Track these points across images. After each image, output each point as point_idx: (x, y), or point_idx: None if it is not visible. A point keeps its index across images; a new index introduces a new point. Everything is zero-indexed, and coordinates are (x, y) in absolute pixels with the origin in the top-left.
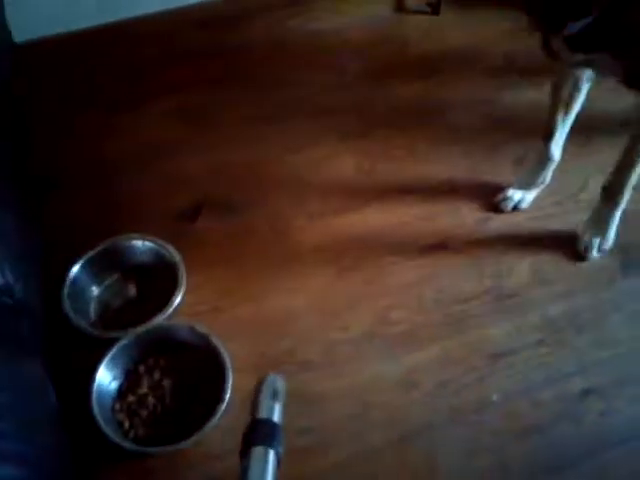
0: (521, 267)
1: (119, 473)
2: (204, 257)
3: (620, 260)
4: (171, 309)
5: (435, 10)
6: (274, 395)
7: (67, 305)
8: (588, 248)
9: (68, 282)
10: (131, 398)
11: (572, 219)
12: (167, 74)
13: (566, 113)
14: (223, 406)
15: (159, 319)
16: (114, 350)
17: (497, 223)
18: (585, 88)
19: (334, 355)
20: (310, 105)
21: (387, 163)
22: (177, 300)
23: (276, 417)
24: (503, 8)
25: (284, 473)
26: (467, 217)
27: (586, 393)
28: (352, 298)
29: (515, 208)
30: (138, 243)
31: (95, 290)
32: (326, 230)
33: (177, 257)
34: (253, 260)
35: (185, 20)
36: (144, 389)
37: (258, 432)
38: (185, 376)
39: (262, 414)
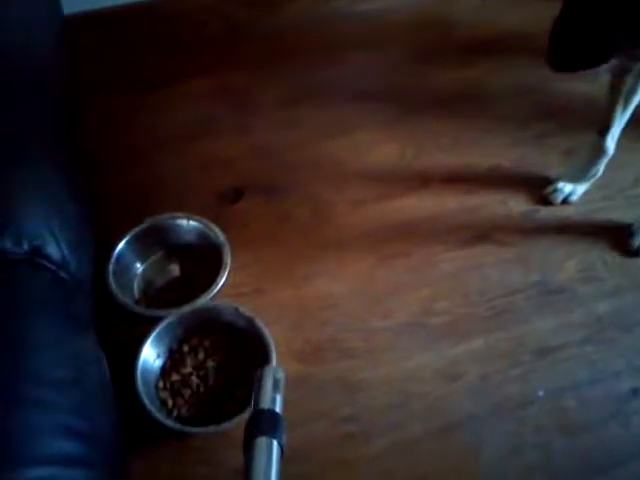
0: (569, 262)
1: (160, 450)
2: (245, 239)
3: None
4: (216, 289)
5: None
6: (275, 386)
7: (112, 282)
8: None
9: (113, 259)
10: (175, 377)
11: (623, 214)
12: (207, 53)
13: (625, 106)
14: None
15: (204, 299)
16: (159, 328)
17: (545, 215)
18: None
19: (376, 343)
20: (353, 88)
21: (432, 150)
22: (222, 280)
23: (278, 408)
24: None
25: (325, 459)
26: (514, 208)
27: (635, 393)
28: (394, 286)
29: (564, 201)
30: (183, 222)
31: (139, 267)
32: (368, 216)
33: (222, 237)
34: (295, 244)
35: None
36: (188, 369)
37: (261, 423)
38: (229, 358)
39: (265, 405)
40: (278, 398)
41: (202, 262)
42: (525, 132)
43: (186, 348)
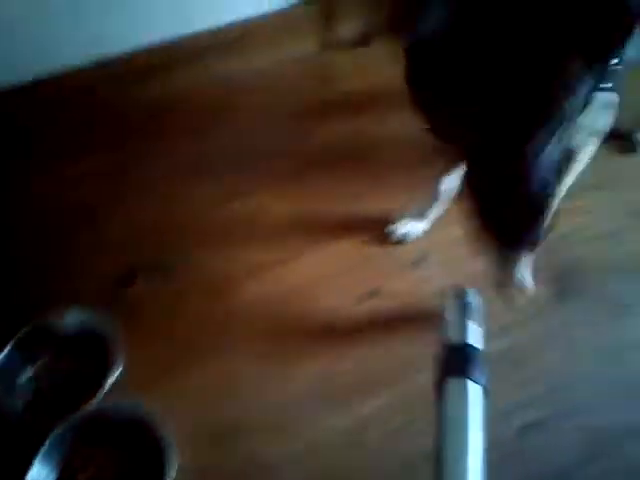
0: None
1: None
2: (142, 325)
3: (555, 289)
4: (106, 389)
5: (365, 42)
6: (465, 312)
7: None
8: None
9: None
10: None
11: None
12: (89, 132)
13: None
14: None
15: (94, 402)
16: (47, 444)
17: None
18: None
19: (284, 416)
20: (239, 152)
21: (323, 206)
22: (112, 379)
23: (471, 338)
24: None
25: None
26: (404, 257)
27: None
28: (296, 353)
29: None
30: (71, 316)
31: (26, 373)
32: (267, 285)
33: (112, 330)
34: (193, 325)
35: (106, 74)
36: None
37: (450, 360)
38: (125, 462)
39: (453, 337)
40: (470, 326)
41: (94, 358)
42: (415, 177)
43: (78, 462)
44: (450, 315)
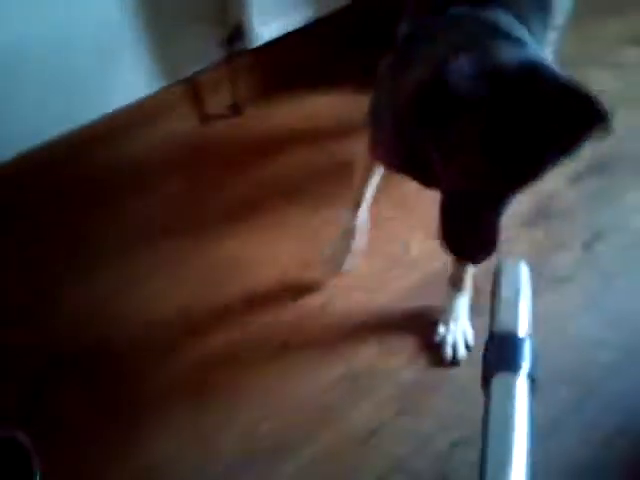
0: (369, 341)
1: None
2: (58, 434)
3: None
4: None
5: (237, 111)
6: (515, 292)
7: None
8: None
9: None
10: None
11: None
12: None
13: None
14: None
15: None
16: None
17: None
18: None
19: None
20: (139, 233)
21: (228, 273)
22: None
23: (520, 325)
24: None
25: None
26: (309, 304)
27: (455, 445)
28: (216, 425)
29: None
30: None
31: None
32: (181, 366)
33: (28, 443)
34: (110, 424)
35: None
36: None
37: (495, 352)
38: None
39: (499, 324)
40: (520, 310)
41: (14, 469)
42: (303, 227)
43: None
44: (497, 299)
